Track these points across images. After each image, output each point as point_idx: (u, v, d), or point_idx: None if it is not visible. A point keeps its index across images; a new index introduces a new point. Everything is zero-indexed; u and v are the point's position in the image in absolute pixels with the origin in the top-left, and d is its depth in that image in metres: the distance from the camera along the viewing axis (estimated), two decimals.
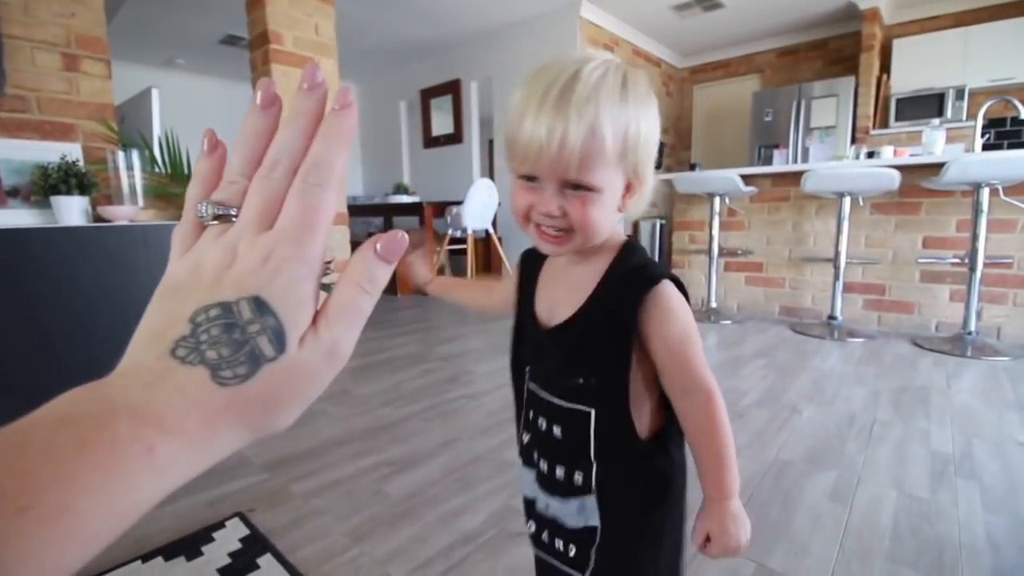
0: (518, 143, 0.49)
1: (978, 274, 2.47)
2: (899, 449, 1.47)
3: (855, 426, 1.63)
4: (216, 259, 0.21)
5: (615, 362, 0.54)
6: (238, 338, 0.19)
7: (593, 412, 0.55)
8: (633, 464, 0.56)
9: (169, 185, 2.32)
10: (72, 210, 1.84)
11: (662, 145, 5.76)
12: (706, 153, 6.16)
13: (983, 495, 1.23)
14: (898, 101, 4.62)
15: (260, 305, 0.20)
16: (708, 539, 0.54)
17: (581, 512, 0.56)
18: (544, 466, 0.59)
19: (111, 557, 1.04)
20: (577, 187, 0.49)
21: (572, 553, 0.58)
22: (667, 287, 0.52)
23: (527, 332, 0.62)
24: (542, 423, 0.59)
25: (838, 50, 5.21)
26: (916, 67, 4.56)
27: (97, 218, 1.93)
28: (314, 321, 0.21)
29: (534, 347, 0.61)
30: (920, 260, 2.80)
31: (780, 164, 3.96)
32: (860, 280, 3.00)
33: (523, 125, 0.48)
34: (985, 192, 2.42)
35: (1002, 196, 2.46)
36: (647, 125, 0.51)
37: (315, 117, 0.22)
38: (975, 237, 2.46)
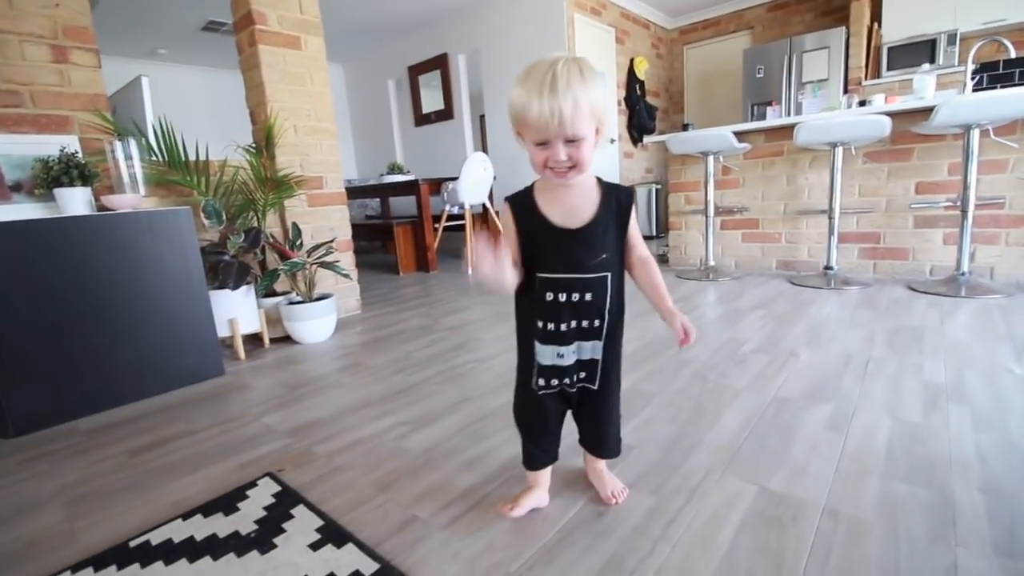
0: (529, 123, 0.77)
1: (970, 216, 2.51)
2: (893, 382, 1.53)
3: (851, 364, 1.69)
4: None
5: (621, 240, 0.92)
6: None
7: (609, 275, 0.90)
8: (621, 306, 0.94)
9: (167, 172, 2.34)
10: (76, 201, 1.87)
11: (654, 108, 5.72)
12: (699, 115, 6.12)
13: (973, 417, 1.29)
14: (890, 50, 4.58)
15: None
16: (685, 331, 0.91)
17: (595, 349, 0.93)
18: (583, 323, 0.91)
19: (150, 518, 1.11)
20: (573, 140, 0.78)
21: (584, 375, 0.96)
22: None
23: (547, 239, 0.88)
24: (574, 296, 0.89)
25: (828, 0, 5.14)
26: (907, 14, 4.51)
27: (101, 208, 1.96)
28: None
29: (558, 246, 0.88)
30: (913, 206, 2.83)
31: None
32: (855, 230, 3.04)
33: (530, 111, 0.75)
34: (975, 134, 2.43)
35: (992, 136, 2.48)
36: (597, 92, 0.78)
37: None
38: (966, 180, 2.49)
